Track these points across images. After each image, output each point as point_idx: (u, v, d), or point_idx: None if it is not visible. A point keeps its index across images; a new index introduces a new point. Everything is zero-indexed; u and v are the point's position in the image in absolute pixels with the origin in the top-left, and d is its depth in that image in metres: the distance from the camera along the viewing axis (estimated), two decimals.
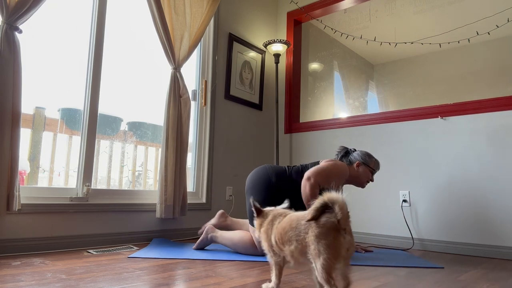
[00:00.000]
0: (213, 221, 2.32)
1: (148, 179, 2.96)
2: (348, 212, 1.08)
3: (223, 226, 2.32)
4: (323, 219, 1.09)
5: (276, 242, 1.21)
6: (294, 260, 1.17)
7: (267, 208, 1.36)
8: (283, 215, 1.27)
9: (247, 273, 1.60)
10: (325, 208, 1.10)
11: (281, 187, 2.09)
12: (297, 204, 2.16)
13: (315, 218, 1.10)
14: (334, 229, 1.07)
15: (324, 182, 2.05)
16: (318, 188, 2.02)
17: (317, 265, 1.07)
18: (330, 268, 1.05)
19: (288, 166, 2.23)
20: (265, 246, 1.28)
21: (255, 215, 1.35)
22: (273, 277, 1.28)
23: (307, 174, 2.03)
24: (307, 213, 1.12)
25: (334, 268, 1.05)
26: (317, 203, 1.10)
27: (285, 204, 1.39)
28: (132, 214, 2.42)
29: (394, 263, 1.95)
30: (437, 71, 2.90)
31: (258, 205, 1.34)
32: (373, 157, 2.27)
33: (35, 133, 2.24)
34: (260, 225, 1.31)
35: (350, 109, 3.39)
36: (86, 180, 2.24)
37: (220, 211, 2.36)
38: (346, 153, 2.33)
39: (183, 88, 2.62)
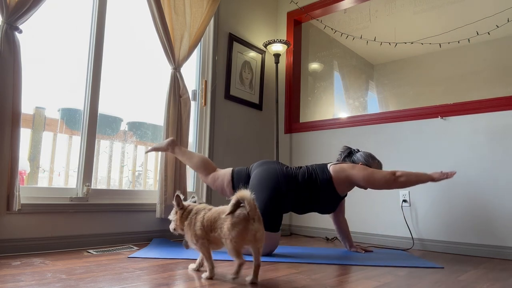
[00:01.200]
0: (162, 144, 2.32)
1: (148, 179, 2.96)
2: (255, 205, 1.39)
3: (171, 153, 2.33)
4: (237, 212, 1.40)
5: (202, 229, 1.47)
6: (216, 246, 1.48)
7: (186, 203, 1.60)
8: (206, 209, 1.54)
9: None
10: (239, 203, 1.40)
11: (288, 194, 2.08)
12: (300, 207, 2.17)
13: (232, 212, 1.40)
14: (245, 219, 1.38)
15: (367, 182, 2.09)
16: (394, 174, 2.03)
17: (229, 246, 1.38)
18: (239, 248, 1.38)
19: (296, 169, 2.18)
20: (189, 236, 1.51)
21: (176, 207, 1.57)
22: (207, 264, 1.49)
23: (386, 173, 2.03)
24: (227, 208, 1.41)
25: (241, 247, 1.39)
26: (232, 200, 1.40)
27: (194, 198, 1.68)
28: (132, 214, 2.41)
29: (394, 263, 1.95)
30: (437, 71, 2.90)
31: (181, 199, 1.57)
32: (376, 159, 2.26)
33: (35, 133, 2.24)
34: (182, 217, 1.54)
35: (350, 109, 3.39)
36: (86, 180, 2.24)
37: (170, 138, 2.35)
38: (349, 153, 2.32)
39: (183, 88, 2.62)
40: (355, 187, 2.24)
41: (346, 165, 2.13)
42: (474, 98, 2.56)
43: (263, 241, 1.40)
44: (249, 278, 1.42)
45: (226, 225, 1.39)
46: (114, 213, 2.32)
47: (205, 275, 1.47)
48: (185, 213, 1.55)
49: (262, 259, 1.93)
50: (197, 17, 2.78)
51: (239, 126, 3.25)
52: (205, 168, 2.27)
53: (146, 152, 2.37)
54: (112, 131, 2.64)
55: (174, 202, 1.57)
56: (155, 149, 2.36)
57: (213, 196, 2.96)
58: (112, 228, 2.30)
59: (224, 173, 2.24)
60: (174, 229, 1.57)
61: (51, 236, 2.03)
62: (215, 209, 1.51)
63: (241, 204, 1.40)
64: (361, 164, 2.21)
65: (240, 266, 1.39)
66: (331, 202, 2.16)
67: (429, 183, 2.61)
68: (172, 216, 1.58)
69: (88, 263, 1.70)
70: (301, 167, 2.22)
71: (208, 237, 1.47)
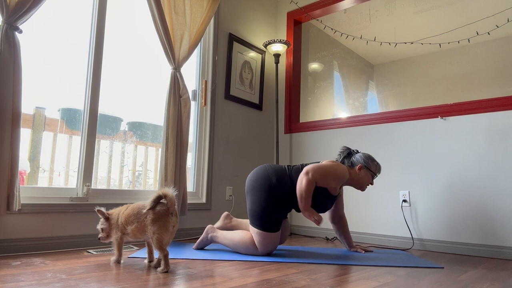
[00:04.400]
0: (218, 223, 2.33)
1: (148, 179, 2.96)
2: (174, 201, 1.58)
3: (229, 228, 2.32)
4: (158, 207, 1.57)
5: (121, 223, 1.65)
6: (134, 236, 1.65)
7: (110, 211, 1.74)
8: (123, 209, 1.69)
9: (247, 273, 1.60)
10: (160, 199, 1.58)
11: (281, 187, 2.08)
12: (296, 204, 2.16)
13: (152, 207, 1.56)
14: (165, 214, 1.56)
15: (321, 179, 2.06)
16: (314, 184, 2.03)
17: (153, 239, 1.55)
18: (161, 241, 1.55)
19: (288, 166, 2.21)
20: (114, 237, 1.69)
21: (103, 221, 1.71)
22: (115, 251, 1.70)
23: (306, 168, 2.06)
24: (147, 204, 1.57)
25: (164, 240, 1.55)
26: (153, 196, 1.56)
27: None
28: None
29: (394, 263, 1.95)
30: (437, 71, 2.90)
31: (103, 212, 1.70)
32: (375, 161, 2.25)
33: (35, 133, 2.24)
34: (111, 226, 1.69)
35: (350, 109, 3.39)
36: (86, 180, 2.24)
37: (225, 213, 2.36)
38: (348, 154, 2.31)
39: (183, 88, 2.62)
40: (352, 187, 2.23)
41: (332, 161, 2.16)
42: (474, 98, 2.56)
43: (174, 233, 1.64)
44: (160, 268, 1.56)
45: (147, 220, 1.57)
46: None
47: (113, 258, 1.71)
48: (112, 221, 1.70)
49: (261, 258, 1.94)
50: (197, 17, 2.78)
51: (239, 126, 3.25)
52: None
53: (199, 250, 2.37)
54: (112, 131, 2.64)
55: (100, 215, 1.72)
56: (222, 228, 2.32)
57: (213, 196, 2.97)
58: None
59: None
60: (101, 238, 1.71)
61: (51, 236, 2.03)
62: (132, 206, 1.67)
63: (161, 200, 1.59)
64: (359, 166, 2.21)
65: (166, 258, 1.55)
66: (324, 199, 2.14)
67: (429, 183, 2.61)
68: (100, 226, 1.72)
69: (88, 263, 1.70)
70: (295, 164, 2.25)
71: (125, 231, 1.65)
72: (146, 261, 1.76)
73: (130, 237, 1.68)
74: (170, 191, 1.58)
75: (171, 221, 1.57)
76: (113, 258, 1.73)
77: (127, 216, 1.65)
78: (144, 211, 1.58)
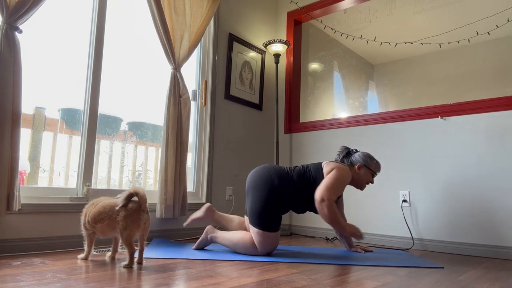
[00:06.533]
0: (198, 213, 2.27)
1: (148, 179, 2.96)
2: (146, 198, 1.64)
3: (211, 221, 2.29)
4: (130, 205, 1.64)
5: (88, 221, 1.68)
6: (102, 234, 1.70)
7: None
8: (92, 205, 1.73)
9: (247, 273, 1.60)
10: (131, 197, 1.64)
11: (282, 189, 2.08)
12: (298, 206, 2.16)
13: (125, 205, 1.62)
14: (137, 211, 1.63)
15: (336, 195, 2.05)
16: (334, 203, 2.03)
17: (123, 236, 1.61)
18: (131, 237, 1.61)
19: (289, 168, 2.20)
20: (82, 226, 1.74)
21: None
22: (86, 247, 1.75)
23: (319, 195, 2.02)
24: (119, 201, 1.63)
25: (133, 237, 1.62)
26: (124, 194, 1.62)
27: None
28: None
29: (394, 263, 1.95)
30: (437, 71, 2.90)
31: None
32: (374, 159, 2.26)
33: (35, 133, 2.24)
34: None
35: (350, 109, 3.39)
36: (86, 180, 2.24)
37: (207, 205, 2.29)
38: (347, 153, 2.31)
39: (183, 88, 2.62)
40: (353, 187, 2.23)
41: (335, 165, 2.13)
42: (474, 98, 2.56)
43: (148, 230, 1.70)
44: (124, 263, 1.62)
45: (119, 217, 1.62)
46: None
47: (81, 256, 1.77)
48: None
49: (261, 258, 1.93)
50: (197, 17, 2.78)
51: (239, 126, 3.25)
52: (243, 227, 2.29)
53: (185, 225, 2.32)
54: (112, 131, 2.64)
55: None
56: (194, 220, 2.29)
57: (213, 197, 2.97)
58: None
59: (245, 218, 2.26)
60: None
61: (51, 236, 2.03)
62: (102, 204, 1.70)
63: (132, 198, 1.65)
64: (359, 165, 2.22)
65: (132, 255, 1.62)
66: None
67: (429, 183, 2.61)
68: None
69: (88, 263, 1.70)
70: (296, 166, 2.24)
71: (94, 229, 1.70)
72: (108, 255, 1.80)
73: (98, 235, 1.72)
74: (141, 189, 1.65)
75: (142, 218, 1.64)
76: (81, 255, 1.77)
77: (97, 214, 1.68)
78: (117, 208, 1.63)
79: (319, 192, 2.03)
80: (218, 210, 2.97)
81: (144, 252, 1.75)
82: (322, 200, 2.01)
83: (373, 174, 2.25)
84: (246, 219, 2.24)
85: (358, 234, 2.06)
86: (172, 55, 2.58)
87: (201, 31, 2.76)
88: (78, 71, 2.34)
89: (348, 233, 2.06)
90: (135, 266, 1.64)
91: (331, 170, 2.11)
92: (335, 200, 2.13)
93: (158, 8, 2.49)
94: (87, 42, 2.35)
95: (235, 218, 2.32)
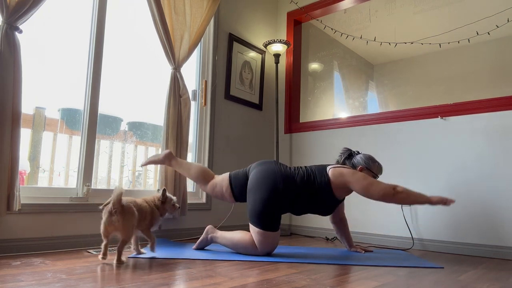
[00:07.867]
0: (158, 157, 2.26)
1: (148, 179, 2.96)
2: (117, 200, 1.66)
3: (168, 165, 2.29)
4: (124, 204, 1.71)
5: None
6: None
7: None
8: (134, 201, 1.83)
9: (247, 273, 1.60)
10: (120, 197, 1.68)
11: (286, 194, 2.06)
12: (298, 209, 2.16)
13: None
14: (109, 212, 1.67)
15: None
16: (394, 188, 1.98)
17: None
18: (103, 235, 1.71)
19: (294, 170, 2.15)
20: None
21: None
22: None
23: (381, 193, 1.97)
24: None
25: (105, 235, 1.70)
26: (114, 195, 1.66)
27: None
28: None
29: (394, 263, 1.95)
30: (437, 71, 2.90)
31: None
32: (376, 162, 2.24)
33: (35, 133, 2.24)
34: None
35: (350, 109, 3.39)
36: (86, 180, 2.24)
37: (167, 151, 2.28)
38: (349, 155, 2.30)
39: (183, 88, 2.62)
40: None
41: (346, 171, 2.07)
42: (474, 98, 2.56)
43: (122, 230, 1.71)
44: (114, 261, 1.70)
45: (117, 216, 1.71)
46: None
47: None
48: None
49: (261, 258, 1.94)
50: (197, 17, 2.78)
51: (239, 126, 3.25)
52: (204, 177, 2.25)
53: (142, 165, 2.34)
54: (112, 131, 2.64)
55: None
56: (152, 162, 2.29)
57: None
58: None
59: (222, 179, 2.22)
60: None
61: (51, 236, 2.03)
62: (139, 200, 1.89)
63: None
64: (361, 168, 2.20)
65: (105, 247, 1.72)
66: (328, 205, 2.12)
67: (429, 183, 2.61)
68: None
69: (88, 263, 1.70)
70: (300, 167, 2.19)
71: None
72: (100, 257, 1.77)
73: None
74: (118, 190, 1.68)
75: (113, 219, 1.70)
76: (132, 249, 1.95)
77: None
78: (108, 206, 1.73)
79: (379, 191, 1.97)
80: (218, 210, 2.97)
81: (121, 253, 1.73)
82: (391, 194, 1.96)
83: (375, 176, 2.23)
84: (207, 170, 2.28)
85: (445, 200, 1.93)
86: (172, 55, 2.58)
87: (201, 31, 2.76)
88: (78, 71, 2.34)
89: (435, 202, 1.95)
90: (126, 264, 1.71)
91: (340, 175, 2.06)
92: (342, 199, 2.12)
93: (158, 8, 2.49)
94: (87, 42, 2.35)
95: (194, 166, 2.27)
